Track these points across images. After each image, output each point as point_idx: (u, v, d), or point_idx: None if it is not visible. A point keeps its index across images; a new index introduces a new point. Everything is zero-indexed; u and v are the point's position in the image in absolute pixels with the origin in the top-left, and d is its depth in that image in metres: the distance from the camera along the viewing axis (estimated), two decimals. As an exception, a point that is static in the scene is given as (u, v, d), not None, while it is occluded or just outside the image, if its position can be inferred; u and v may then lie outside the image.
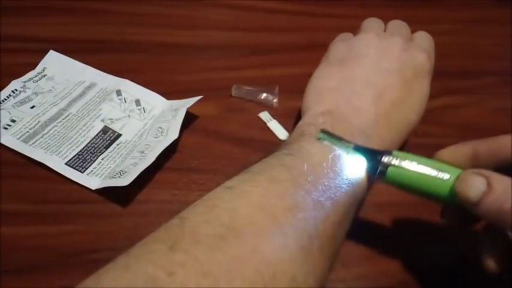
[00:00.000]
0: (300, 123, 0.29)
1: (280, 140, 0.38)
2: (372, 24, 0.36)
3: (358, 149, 0.25)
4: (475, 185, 0.22)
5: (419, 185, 0.24)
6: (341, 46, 0.34)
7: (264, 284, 0.19)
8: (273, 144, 0.37)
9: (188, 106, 0.37)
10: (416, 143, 0.36)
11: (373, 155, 0.25)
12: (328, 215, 0.23)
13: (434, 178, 0.24)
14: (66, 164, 0.34)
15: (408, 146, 0.34)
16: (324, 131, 0.26)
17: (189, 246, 0.19)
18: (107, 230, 0.31)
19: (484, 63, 0.48)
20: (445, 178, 0.23)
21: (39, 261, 0.29)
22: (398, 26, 0.36)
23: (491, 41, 0.51)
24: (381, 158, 0.25)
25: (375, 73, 0.31)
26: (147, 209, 0.33)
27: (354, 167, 0.25)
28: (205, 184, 0.35)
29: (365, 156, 0.25)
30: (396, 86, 0.30)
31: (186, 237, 0.20)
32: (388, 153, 0.25)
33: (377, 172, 0.25)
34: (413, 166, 0.24)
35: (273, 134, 0.39)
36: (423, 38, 0.35)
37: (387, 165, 0.24)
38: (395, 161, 0.24)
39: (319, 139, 0.26)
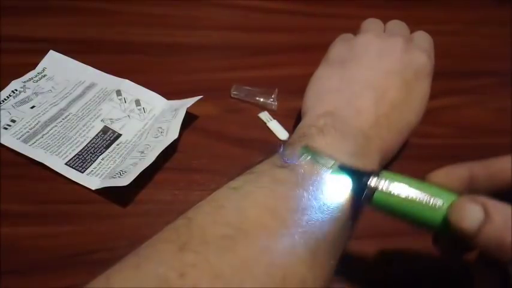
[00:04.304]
0: (301, 124, 0.29)
1: (280, 140, 0.38)
2: (372, 24, 0.36)
3: (343, 168, 0.24)
4: (471, 215, 0.20)
5: (409, 211, 0.22)
6: (341, 47, 0.34)
7: (275, 286, 0.19)
8: (273, 145, 0.38)
9: (188, 106, 0.37)
10: (417, 143, 0.36)
11: (359, 176, 0.23)
12: (333, 217, 0.23)
13: (426, 205, 0.21)
14: (66, 164, 0.34)
15: (408, 146, 0.34)
16: (306, 147, 0.25)
17: (199, 246, 0.19)
18: (107, 230, 0.31)
19: (484, 64, 0.48)
20: (437, 205, 0.21)
21: (39, 261, 0.29)
22: (397, 26, 0.36)
23: (491, 41, 0.51)
24: (368, 180, 0.22)
25: (375, 74, 0.31)
26: (148, 209, 0.33)
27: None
28: (205, 184, 0.35)
29: (350, 177, 0.23)
30: (397, 87, 0.30)
31: (195, 238, 0.20)
32: (376, 174, 0.22)
33: (363, 196, 0.22)
34: (402, 190, 0.22)
35: (273, 134, 0.39)
36: (423, 38, 0.35)
37: (374, 188, 0.22)
38: (383, 184, 0.22)
39: (301, 155, 0.24)
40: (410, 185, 0.22)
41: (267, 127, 0.39)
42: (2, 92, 0.39)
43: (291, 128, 0.39)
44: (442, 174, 0.24)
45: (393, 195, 0.22)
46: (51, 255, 0.30)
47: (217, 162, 0.36)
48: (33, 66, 0.42)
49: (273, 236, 0.20)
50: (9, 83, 0.40)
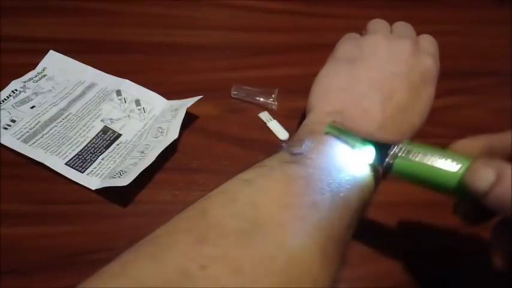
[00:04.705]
0: (307, 121, 0.29)
1: (280, 140, 0.38)
2: (379, 25, 0.36)
3: (367, 141, 0.25)
4: (485, 175, 0.21)
5: (428, 176, 0.23)
6: (349, 45, 0.34)
7: (290, 283, 0.19)
8: (273, 145, 0.38)
9: (188, 106, 0.37)
10: (416, 143, 0.36)
11: (381, 147, 0.25)
12: (341, 215, 0.23)
13: (444, 168, 0.23)
14: (66, 164, 0.34)
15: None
16: (332, 125, 0.26)
17: (217, 239, 0.19)
18: (107, 231, 0.31)
19: (484, 63, 0.48)
20: (455, 169, 0.23)
21: (39, 261, 0.29)
22: (404, 28, 0.36)
23: (491, 41, 0.51)
24: (389, 150, 0.24)
25: (382, 75, 0.31)
26: (147, 209, 0.33)
27: (364, 165, 0.25)
28: (205, 184, 0.35)
29: (374, 147, 0.25)
30: (403, 90, 0.30)
31: (212, 230, 0.20)
32: (397, 144, 0.24)
33: (385, 164, 0.24)
34: (423, 156, 0.23)
35: (273, 134, 0.39)
36: (428, 42, 0.35)
37: (395, 156, 0.24)
38: (403, 151, 0.24)
39: (327, 133, 0.26)
40: (429, 151, 0.24)
41: (267, 127, 0.39)
42: (2, 92, 0.39)
43: (291, 128, 0.39)
44: (462, 144, 0.25)
45: (413, 160, 0.24)
46: (51, 255, 0.30)
47: (217, 162, 0.36)
48: (33, 66, 0.42)
49: (287, 233, 0.20)
50: (9, 83, 0.40)
